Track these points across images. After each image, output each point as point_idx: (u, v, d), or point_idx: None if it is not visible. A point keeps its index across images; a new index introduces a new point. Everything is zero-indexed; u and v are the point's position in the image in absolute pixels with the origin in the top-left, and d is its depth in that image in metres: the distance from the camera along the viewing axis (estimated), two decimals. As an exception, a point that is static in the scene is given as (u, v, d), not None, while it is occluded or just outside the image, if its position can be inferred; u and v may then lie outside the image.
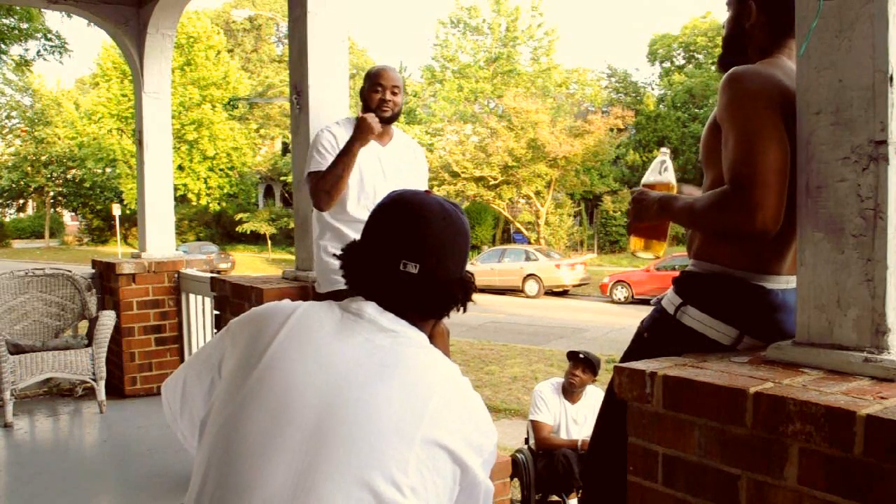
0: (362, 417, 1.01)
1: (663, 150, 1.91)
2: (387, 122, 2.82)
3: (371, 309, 1.14)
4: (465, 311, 1.22)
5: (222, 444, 1.04)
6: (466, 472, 1.07)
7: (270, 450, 1.00)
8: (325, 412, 1.02)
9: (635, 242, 1.85)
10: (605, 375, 7.26)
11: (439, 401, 1.05)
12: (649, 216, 1.74)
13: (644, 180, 1.86)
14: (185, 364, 1.24)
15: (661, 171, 1.85)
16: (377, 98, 2.79)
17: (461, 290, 1.20)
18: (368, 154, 2.79)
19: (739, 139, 1.49)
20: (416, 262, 1.14)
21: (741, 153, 1.48)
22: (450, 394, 1.07)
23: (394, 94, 2.81)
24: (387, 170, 2.83)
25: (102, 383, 4.46)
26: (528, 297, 19.19)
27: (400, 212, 1.18)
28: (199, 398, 1.17)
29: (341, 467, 0.98)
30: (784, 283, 1.63)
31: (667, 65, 33.05)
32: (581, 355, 4.80)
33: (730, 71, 1.59)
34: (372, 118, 2.69)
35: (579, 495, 4.39)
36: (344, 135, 2.78)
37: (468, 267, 1.26)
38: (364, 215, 2.70)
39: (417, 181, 2.96)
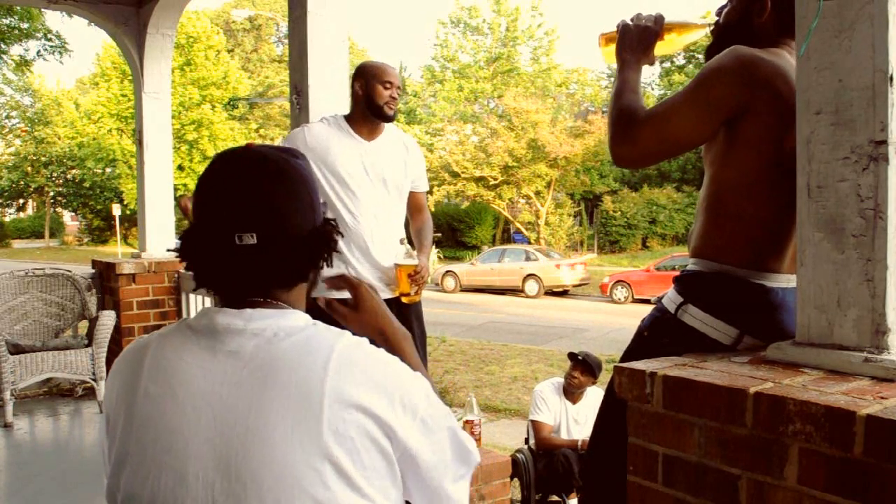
0: (261, 451, 0.90)
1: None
2: (391, 120, 2.77)
3: (220, 317, 0.98)
4: (330, 264, 1.06)
5: None
6: (395, 439, 0.94)
7: None
8: (221, 458, 0.91)
9: (605, 43, 1.81)
10: (605, 375, 7.25)
11: (332, 384, 0.92)
12: (623, 43, 1.74)
13: (668, 20, 1.79)
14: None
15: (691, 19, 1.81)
16: (387, 94, 2.71)
17: (319, 243, 1.02)
18: (351, 152, 2.72)
19: (680, 97, 1.60)
20: (251, 231, 0.96)
21: (669, 105, 1.61)
22: (343, 369, 0.93)
23: (398, 91, 2.76)
24: (370, 168, 2.74)
25: (102, 383, 4.46)
26: (528, 297, 19.19)
27: (220, 177, 1.00)
28: (106, 476, 1.04)
29: None
30: (784, 281, 1.63)
31: (667, 65, 33.03)
32: (580, 357, 4.79)
33: (737, 47, 1.60)
34: None
35: (579, 495, 4.38)
36: (329, 135, 2.71)
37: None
38: (348, 218, 2.69)
39: (408, 178, 2.87)
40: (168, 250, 4.83)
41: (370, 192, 2.72)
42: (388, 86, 2.71)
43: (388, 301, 2.76)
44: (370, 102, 2.72)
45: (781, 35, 1.71)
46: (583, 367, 4.74)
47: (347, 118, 2.81)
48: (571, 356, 4.87)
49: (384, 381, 0.95)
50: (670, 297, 1.73)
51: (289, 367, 0.94)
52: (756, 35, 1.71)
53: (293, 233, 0.99)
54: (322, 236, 1.03)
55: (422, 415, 0.97)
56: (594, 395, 4.81)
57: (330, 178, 2.68)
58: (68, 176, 35.23)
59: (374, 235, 2.72)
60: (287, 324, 0.99)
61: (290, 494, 0.89)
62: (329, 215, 1.08)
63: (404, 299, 2.77)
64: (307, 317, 1.02)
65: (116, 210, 27.49)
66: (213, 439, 0.92)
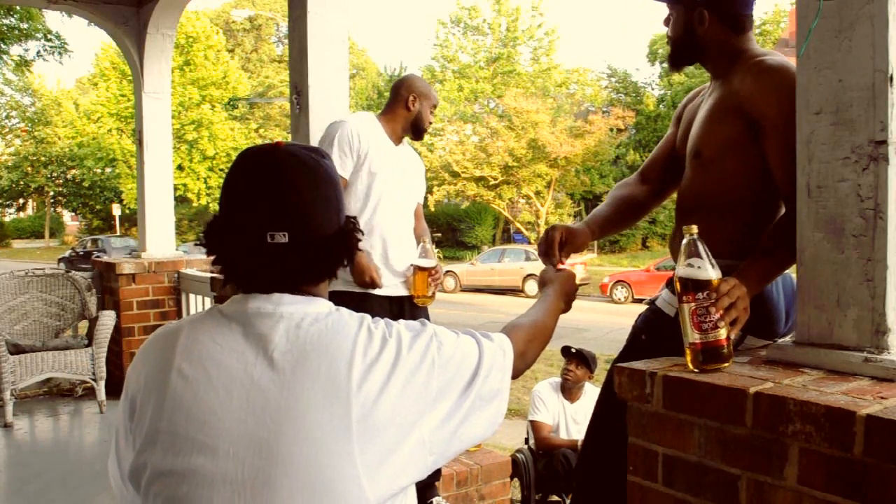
0: (291, 429, 0.93)
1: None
2: (419, 139, 2.90)
3: (252, 302, 1.02)
4: (351, 264, 1.09)
5: (164, 499, 0.96)
6: (417, 427, 0.98)
7: (213, 492, 0.93)
8: (252, 436, 0.94)
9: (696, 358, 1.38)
10: (601, 374, 7.25)
11: (360, 370, 0.96)
12: (747, 301, 1.43)
13: (695, 275, 1.37)
14: (115, 428, 1.11)
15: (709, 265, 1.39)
16: (429, 121, 2.84)
17: (343, 244, 1.06)
18: (386, 151, 2.75)
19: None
20: (283, 231, 1.00)
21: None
22: (369, 354, 0.98)
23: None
24: (398, 170, 2.80)
25: (102, 383, 4.46)
26: (528, 297, 19.17)
27: (252, 175, 1.04)
28: (131, 457, 1.04)
29: (289, 487, 0.92)
30: None
31: (666, 65, 33.02)
32: (573, 350, 4.80)
33: (781, 67, 1.58)
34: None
35: (572, 493, 4.38)
36: (369, 136, 2.71)
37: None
38: (371, 213, 2.70)
39: (421, 188, 2.97)
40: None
41: (396, 192, 2.78)
42: (433, 111, 2.85)
43: (400, 299, 2.78)
44: (417, 121, 2.82)
45: (739, 33, 1.72)
46: (577, 359, 4.74)
47: (380, 118, 2.84)
48: (565, 351, 4.87)
49: (404, 372, 0.99)
50: (666, 300, 1.72)
51: (317, 351, 0.97)
52: (704, 43, 1.72)
53: (322, 233, 1.04)
54: (347, 235, 1.07)
55: (435, 391, 1.01)
56: (593, 394, 4.80)
57: (365, 172, 2.70)
58: (68, 176, 35.20)
59: (393, 234, 2.76)
60: (313, 310, 1.03)
61: (320, 473, 0.92)
62: (349, 213, 1.11)
63: (419, 301, 2.78)
64: (330, 304, 1.06)
65: (116, 210, 27.50)
66: (246, 419, 0.95)
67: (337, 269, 1.08)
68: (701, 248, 1.37)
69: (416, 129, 2.82)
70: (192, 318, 1.07)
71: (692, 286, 1.35)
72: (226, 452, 0.94)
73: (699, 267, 1.35)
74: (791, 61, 1.58)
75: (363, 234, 1.12)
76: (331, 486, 0.92)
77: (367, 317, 1.04)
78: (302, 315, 1.01)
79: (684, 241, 1.38)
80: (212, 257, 1.07)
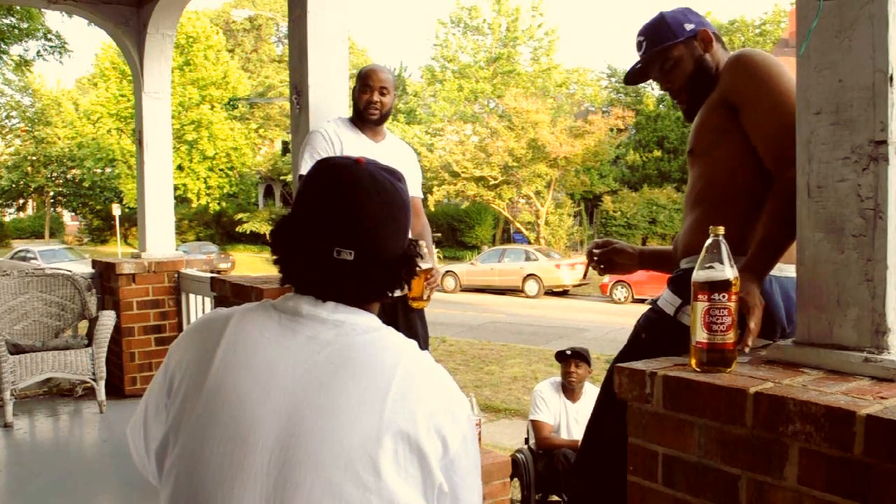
0: (322, 428, 0.95)
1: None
2: (376, 123, 2.80)
3: (307, 304, 1.05)
4: (409, 288, 1.12)
5: (185, 478, 0.98)
6: (427, 467, 0.98)
7: (234, 479, 0.95)
8: (283, 430, 0.96)
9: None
10: (599, 374, 7.24)
11: (398, 389, 0.98)
12: (760, 313, 1.48)
13: (714, 276, 1.36)
14: (143, 399, 1.13)
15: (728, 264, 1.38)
16: (365, 99, 2.75)
17: (403, 268, 1.09)
18: (362, 150, 2.73)
19: (787, 114, 1.46)
20: (350, 249, 1.03)
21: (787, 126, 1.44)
22: (410, 379, 1.00)
23: (382, 94, 2.76)
24: None
25: (102, 383, 4.45)
26: (528, 297, 19.19)
27: (329, 189, 1.05)
28: (160, 433, 1.06)
29: (310, 485, 0.93)
30: (777, 269, 1.62)
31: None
32: (568, 352, 4.80)
33: (749, 52, 1.68)
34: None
35: (569, 492, 4.38)
36: (340, 135, 2.73)
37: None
38: None
39: (409, 183, 2.92)
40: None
41: None
42: (366, 90, 2.75)
43: (392, 301, 2.75)
44: (356, 106, 2.79)
45: (721, 45, 1.82)
46: (576, 359, 4.75)
47: (351, 120, 2.85)
48: (560, 356, 4.87)
49: (434, 406, 1.00)
50: (667, 299, 1.73)
51: (361, 359, 1.00)
52: (712, 65, 1.78)
53: (387, 255, 1.07)
54: (409, 259, 1.10)
55: (451, 453, 1.00)
56: (593, 394, 4.79)
57: None
58: (68, 176, 35.20)
59: None
60: (364, 322, 1.06)
61: (343, 475, 0.93)
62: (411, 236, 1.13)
63: (415, 304, 2.73)
64: (380, 321, 1.09)
65: (116, 210, 27.47)
66: (280, 412, 0.97)
67: (395, 291, 1.10)
68: (724, 250, 1.36)
69: (357, 113, 2.76)
70: (243, 308, 1.09)
71: (708, 286, 1.35)
72: (255, 443, 0.96)
73: (720, 270, 1.35)
74: (790, 61, 1.58)
75: (423, 257, 1.14)
76: (354, 490, 0.93)
77: (414, 344, 1.06)
78: (353, 325, 1.04)
79: (708, 241, 1.38)
80: (274, 256, 1.09)
